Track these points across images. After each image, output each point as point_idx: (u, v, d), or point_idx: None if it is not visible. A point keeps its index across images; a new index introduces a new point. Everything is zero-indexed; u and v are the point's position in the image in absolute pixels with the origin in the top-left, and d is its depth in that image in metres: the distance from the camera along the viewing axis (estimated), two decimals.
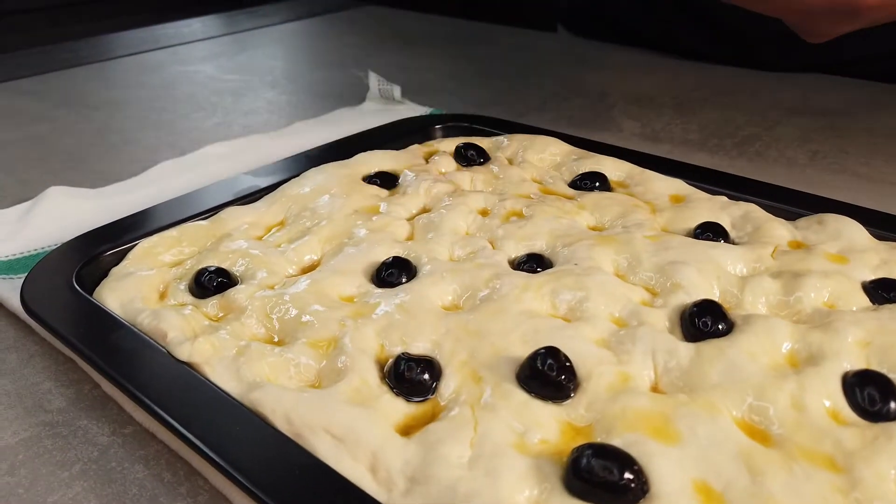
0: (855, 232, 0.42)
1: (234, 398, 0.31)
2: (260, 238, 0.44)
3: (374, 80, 0.74)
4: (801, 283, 0.37)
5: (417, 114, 0.70)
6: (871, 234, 0.43)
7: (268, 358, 0.33)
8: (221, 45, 1.06)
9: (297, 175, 0.50)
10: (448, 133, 0.62)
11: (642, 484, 0.26)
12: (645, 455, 0.27)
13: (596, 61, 0.94)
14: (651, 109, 0.75)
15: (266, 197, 0.48)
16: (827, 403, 0.30)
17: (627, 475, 0.26)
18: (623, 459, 0.26)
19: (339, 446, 0.29)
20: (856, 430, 0.28)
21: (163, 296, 0.39)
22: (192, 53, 1.01)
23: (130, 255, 0.42)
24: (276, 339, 0.36)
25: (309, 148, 0.57)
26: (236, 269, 0.40)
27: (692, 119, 0.73)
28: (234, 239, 0.43)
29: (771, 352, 0.33)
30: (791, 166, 0.62)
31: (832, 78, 0.82)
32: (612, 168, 0.52)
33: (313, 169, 0.51)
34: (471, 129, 0.62)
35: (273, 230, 0.45)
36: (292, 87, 0.86)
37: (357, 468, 0.28)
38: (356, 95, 0.76)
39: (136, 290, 0.39)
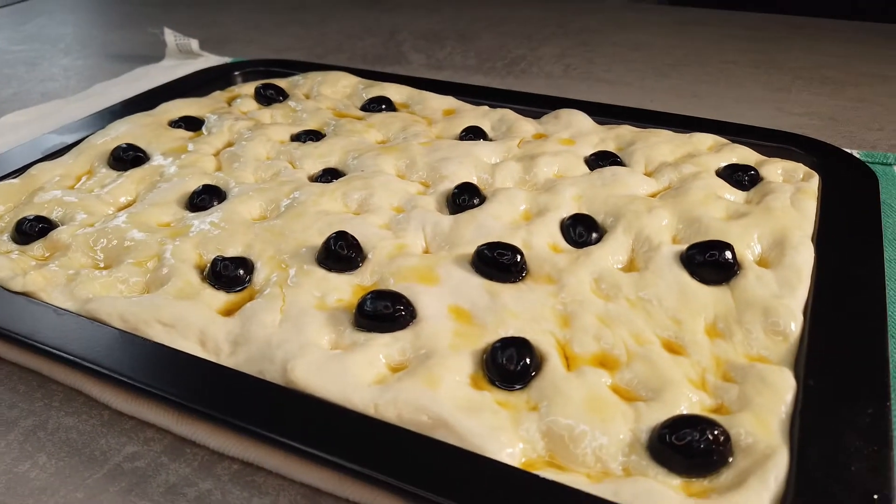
0: (582, 120, 0.54)
1: (73, 312, 0.36)
2: (72, 187, 0.48)
3: (170, 35, 0.76)
4: (536, 163, 0.47)
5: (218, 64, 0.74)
6: (595, 121, 0.54)
7: (98, 280, 0.38)
8: (4, 17, 1.01)
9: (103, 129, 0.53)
10: (248, 79, 0.66)
11: (411, 312, 0.34)
12: (413, 294, 0.35)
13: (388, 3, 1.01)
14: (436, 42, 0.84)
15: (73, 149, 0.50)
16: (548, 241, 0.40)
17: (398, 307, 0.34)
18: (394, 297, 0.35)
19: (171, 331, 0.35)
20: (567, 255, 0.39)
21: None
22: None
23: None
24: (102, 266, 0.40)
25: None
26: (54, 215, 0.44)
27: (471, 47, 0.82)
28: (47, 190, 0.46)
29: (511, 213, 0.42)
30: (549, 78, 0.73)
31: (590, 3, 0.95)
32: (395, 92, 0.60)
33: (118, 120, 0.54)
34: (270, 73, 0.67)
35: (83, 178, 0.48)
36: (87, 51, 0.86)
37: (189, 345, 0.34)
38: (155, 54, 0.78)
39: None
